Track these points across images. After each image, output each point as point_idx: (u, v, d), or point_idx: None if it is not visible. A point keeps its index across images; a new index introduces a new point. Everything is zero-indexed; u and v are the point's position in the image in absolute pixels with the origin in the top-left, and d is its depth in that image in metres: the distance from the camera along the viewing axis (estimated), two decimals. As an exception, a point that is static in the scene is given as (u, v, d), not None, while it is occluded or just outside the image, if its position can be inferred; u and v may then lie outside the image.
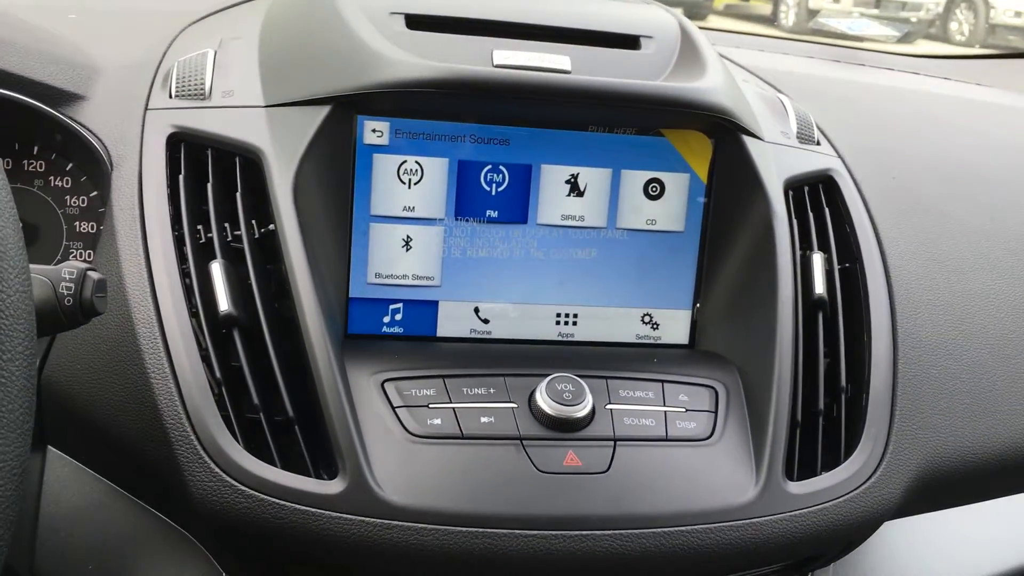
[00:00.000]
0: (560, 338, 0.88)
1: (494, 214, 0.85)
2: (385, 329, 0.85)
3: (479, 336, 0.86)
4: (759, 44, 1.57)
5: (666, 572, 0.73)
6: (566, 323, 0.88)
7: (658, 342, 0.89)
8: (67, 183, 0.91)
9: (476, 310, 0.86)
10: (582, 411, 0.75)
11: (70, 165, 0.91)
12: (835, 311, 0.85)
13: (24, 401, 0.50)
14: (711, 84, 0.82)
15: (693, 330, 0.89)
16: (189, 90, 0.85)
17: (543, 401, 0.75)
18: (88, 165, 0.89)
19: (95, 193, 0.91)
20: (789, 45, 1.65)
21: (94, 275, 0.62)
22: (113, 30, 0.99)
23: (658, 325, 0.89)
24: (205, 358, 0.72)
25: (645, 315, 0.89)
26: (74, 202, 0.91)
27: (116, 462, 0.77)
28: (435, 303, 0.86)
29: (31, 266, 0.60)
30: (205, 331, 0.73)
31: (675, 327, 0.90)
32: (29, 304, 0.52)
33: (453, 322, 0.86)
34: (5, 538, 0.49)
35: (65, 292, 0.61)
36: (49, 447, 0.81)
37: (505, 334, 0.87)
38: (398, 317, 0.85)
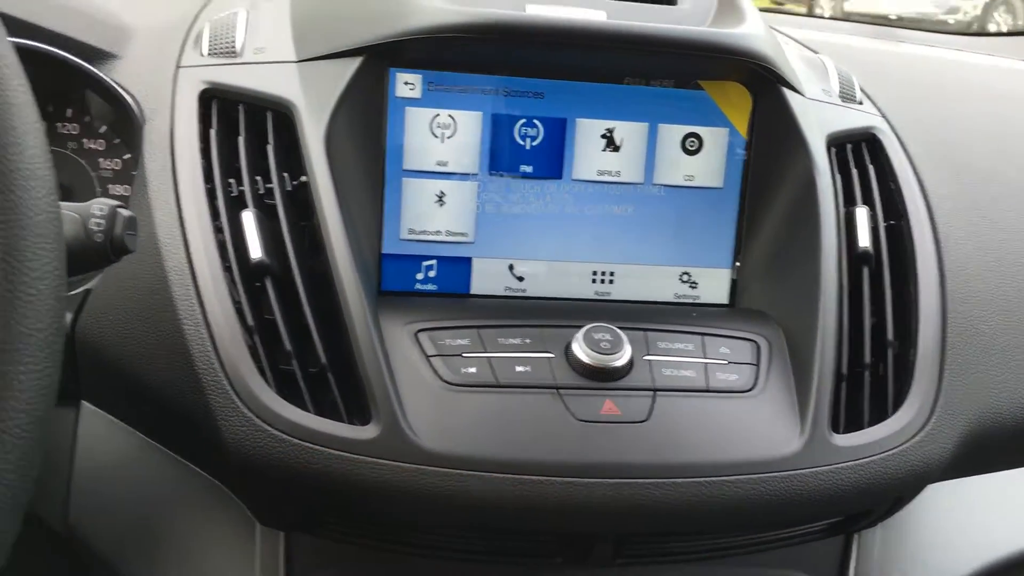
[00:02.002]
0: (596, 296, 0.86)
1: (528, 169, 0.83)
2: (418, 286, 0.84)
3: (513, 294, 0.85)
4: (797, 23, 1.55)
5: (710, 522, 0.71)
6: (602, 281, 0.86)
7: (697, 301, 0.87)
8: (101, 146, 0.91)
9: (511, 267, 0.85)
10: (620, 360, 0.73)
11: (104, 127, 0.91)
12: (880, 266, 0.82)
13: (52, 321, 0.49)
14: (752, 31, 0.80)
15: (733, 289, 0.87)
16: (221, 48, 0.84)
17: (580, 350, 0.73)
18: (122, 127, 0.88)
19: (128, 156, 0.90)
20: (826, 24, 1.62)
21: (124, 212, 0.62)
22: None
23: (697, 284, 0.87)
24: (238, 309, 0.71)
25: (683, 273, 0.87)
26: (107, 165, 0.91)
27: (149, 413, 0.77)
28: (468, 260, 0.84)
29: (61, 203, 0.59)
30: (238, 282, 0.72)
31: (714, 286, 0.87)
32: (57, 226, 0.51)
33: (487, 279, 0.85)
34: (30, 470, 0.48)
35: (95, 228, 0.60)
36: (83, 402, 0.80)
37: (540, 292, 0.85)
38: (432, 274, 0.84)
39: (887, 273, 0.81)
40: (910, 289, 0.81)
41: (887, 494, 0.75)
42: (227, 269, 0.73)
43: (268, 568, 0.75)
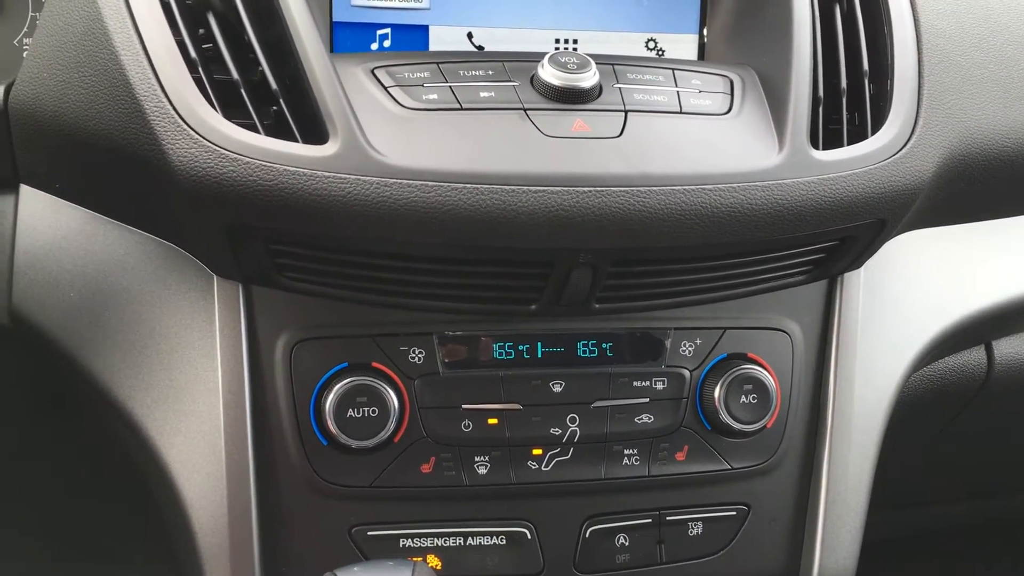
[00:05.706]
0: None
1: (485, -73, 0.80)
2: (373, 55, 0.80)
3: (474, 60, 0.81)
4: None
5: (690, 232, 0.67)
6: (565, 49, 0.82)
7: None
8: None
9: (469, 35, 0.81)
10: (588, 81, 0.70)
11: None
12: (852, 5, 0.79)
13: None
14: None
15: (701, 55, 0.84)
16: None
17: (546, 73, 0.70)
18: None
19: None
20: None
21: None
22: None
23: (663, 52, 0.84)
24: (180, 43, 0.67)
25: (650, 40, 0.84)
26: None
27: (92, 174, 0.72)
28: (425, 28, 0.80)
29: None
30: (178, 18, 0.68)
31: (682, 53, 0.84)
32: None
33: (445, 48, 0.81)
34: None
35: None
36: (22, 186, 0.75)
37: (502, 60, 0.81)
38: (387, 44, 0.80)
39: (859, 10, 0.79)
40: (883, 25, 0.79)
41: (871, 211, 0.72)
42: (166, 6, 0.68)
43: (228, 323, 0.70)
